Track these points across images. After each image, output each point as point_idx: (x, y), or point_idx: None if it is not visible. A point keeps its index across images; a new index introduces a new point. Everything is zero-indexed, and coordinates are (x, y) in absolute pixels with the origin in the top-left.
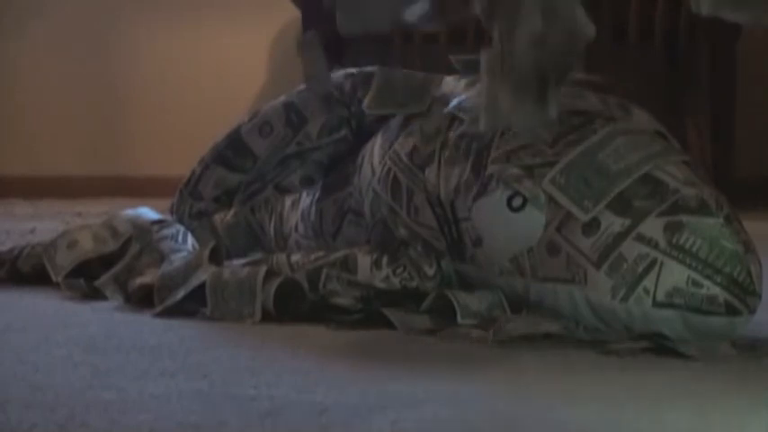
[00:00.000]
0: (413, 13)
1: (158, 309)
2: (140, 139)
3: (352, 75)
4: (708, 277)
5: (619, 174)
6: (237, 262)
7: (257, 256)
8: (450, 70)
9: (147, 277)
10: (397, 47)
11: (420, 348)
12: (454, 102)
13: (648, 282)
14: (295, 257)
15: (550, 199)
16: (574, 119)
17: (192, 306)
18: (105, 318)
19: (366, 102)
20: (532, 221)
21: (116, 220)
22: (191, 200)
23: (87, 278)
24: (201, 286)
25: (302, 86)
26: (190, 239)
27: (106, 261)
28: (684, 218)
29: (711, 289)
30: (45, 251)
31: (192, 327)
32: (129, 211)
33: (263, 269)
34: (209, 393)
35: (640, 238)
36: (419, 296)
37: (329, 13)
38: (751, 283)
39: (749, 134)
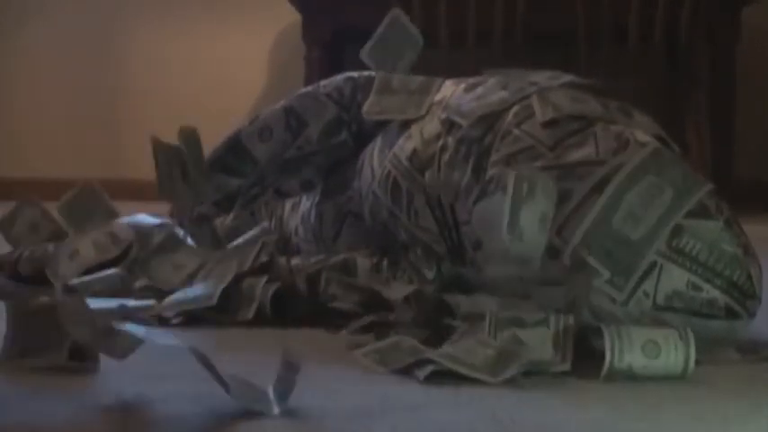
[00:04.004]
0: None
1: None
2: (140, 141)
3: (353, 78)
4: (708, 281)
5: (641, 243)
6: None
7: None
8: (451, 73)
9: None
10: None
11: None
12: (453, 106)
13: (648, 285)
14: (295, 261)
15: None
16: (573, 123)
17: (197, 311)
18: None
19: (365, 107)
20: None
21: (116, 227)
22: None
23: None
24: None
25: (302, 91)
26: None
27: (107, 265)
28: (684, 221)
29: (711, 292)
30: (47, 262)
31: (193, 330)
32: (128, 218)
33: (262, 279)
34: (210, 397)
35: None
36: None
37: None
38: (751, 286)
39: (749, 135)
